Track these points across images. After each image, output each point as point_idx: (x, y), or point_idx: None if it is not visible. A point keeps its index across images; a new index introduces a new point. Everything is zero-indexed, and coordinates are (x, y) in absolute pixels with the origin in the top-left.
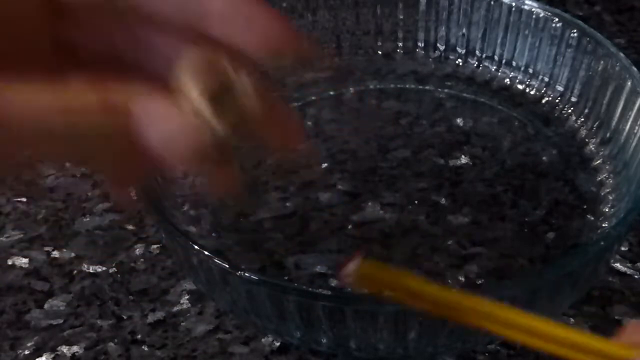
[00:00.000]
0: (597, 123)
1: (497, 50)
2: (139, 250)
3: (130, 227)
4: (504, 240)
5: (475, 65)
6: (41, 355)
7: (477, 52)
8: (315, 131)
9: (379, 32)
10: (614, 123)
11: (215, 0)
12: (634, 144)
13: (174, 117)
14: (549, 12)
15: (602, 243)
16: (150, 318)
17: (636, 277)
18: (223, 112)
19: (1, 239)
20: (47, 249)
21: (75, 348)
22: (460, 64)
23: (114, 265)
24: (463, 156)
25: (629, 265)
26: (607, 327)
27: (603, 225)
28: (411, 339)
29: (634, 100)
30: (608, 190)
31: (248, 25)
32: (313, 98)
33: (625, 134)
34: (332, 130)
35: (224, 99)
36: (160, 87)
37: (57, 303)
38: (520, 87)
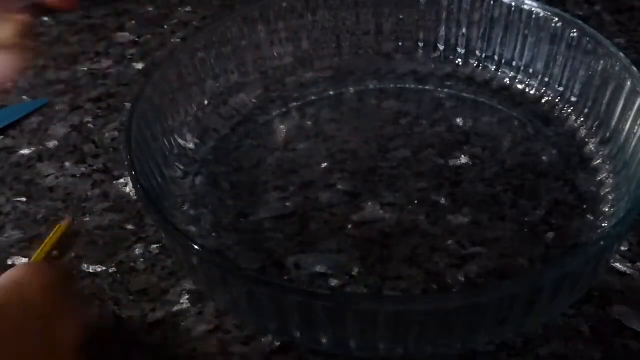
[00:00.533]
0: (597, 123)
1: (497, 50)
2: (139, 250)
3: (130, 227)
4: (504, 240)
5: (475, 65)
6: None
7: (477, 52)
8: (315, 131)
9: (379, 32)
10: (614, 123)
11: None
12: (634, 144)
13: None
14: (549, 12)
15: (602, 243)
16: (150, 318)
17: (636, 277)
18: None
19: (1, 239)
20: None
21: None
22: (460, 64)
23: (114, 265)
24: (463, 156)
25: (629, 265)
26: (607, 327)
27: (603, 225)
28: (411, 339)
29: (634, 100)
30: (608, 190)
31: None
32: (313, 98)
33: (625, 134)
34: (332, 130)
35: None
36: None
37: None
38: (520, 87)
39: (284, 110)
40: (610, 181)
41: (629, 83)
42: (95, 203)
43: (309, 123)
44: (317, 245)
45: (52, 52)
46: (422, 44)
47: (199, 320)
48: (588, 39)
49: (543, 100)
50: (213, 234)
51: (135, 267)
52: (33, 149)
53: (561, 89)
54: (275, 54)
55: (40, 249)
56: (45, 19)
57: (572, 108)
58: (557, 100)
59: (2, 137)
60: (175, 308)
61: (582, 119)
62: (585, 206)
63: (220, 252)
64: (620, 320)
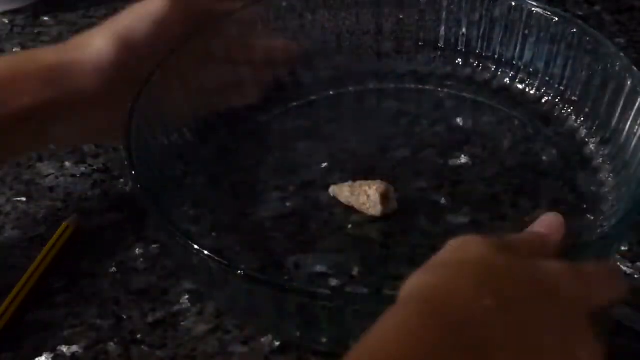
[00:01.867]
0: (597, 123)
1: (497, 50)
2: (139, 250)
3: (130, 227)
4: None
5: (475, 65)
6: (41, 355)
7: (477, 52)
8: (315, 131)
9: (379, 32)
10: (614, 123)
11: None
12: (634, 144)
13: None
14: (548, 11)
15: (602, 243)
16: (150, 318)
17: (636, 277)
18: None
19: (1, 239)
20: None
21: (75, 348)
22: (460, 63)
23: (114, 265)
24: (463, 156)
25: (629, 265)
26: (607, 327)
27: (603, 225)
28: None
29: (634, 100)
30: (608, 190)
31: None
32: (313, 98)
33: (625, 134)
34: (332, 130)
35: None
36: None
37: (57, 303)
38: (520, 87)
39: (284, 110)
40: (610, 181)
41: (629, 83)
42: (95, 203)
43: (309, 123)
44: (317, 245)
45: None
46: (422, 44)
47: (199, 320)
48: (588, 38)
49: (543, 100)
50: (213, 234)
51: (135, 267)
52: None
53: (561, 89)
54: None
55: (48, 247)
56: (45, 18)
57: (572, 108)
58: (557, 100)
59: None
60: (175, 308)
61: (582, 119)
62: (585, 206)
63: (220, 252)
64: (620, 321)
